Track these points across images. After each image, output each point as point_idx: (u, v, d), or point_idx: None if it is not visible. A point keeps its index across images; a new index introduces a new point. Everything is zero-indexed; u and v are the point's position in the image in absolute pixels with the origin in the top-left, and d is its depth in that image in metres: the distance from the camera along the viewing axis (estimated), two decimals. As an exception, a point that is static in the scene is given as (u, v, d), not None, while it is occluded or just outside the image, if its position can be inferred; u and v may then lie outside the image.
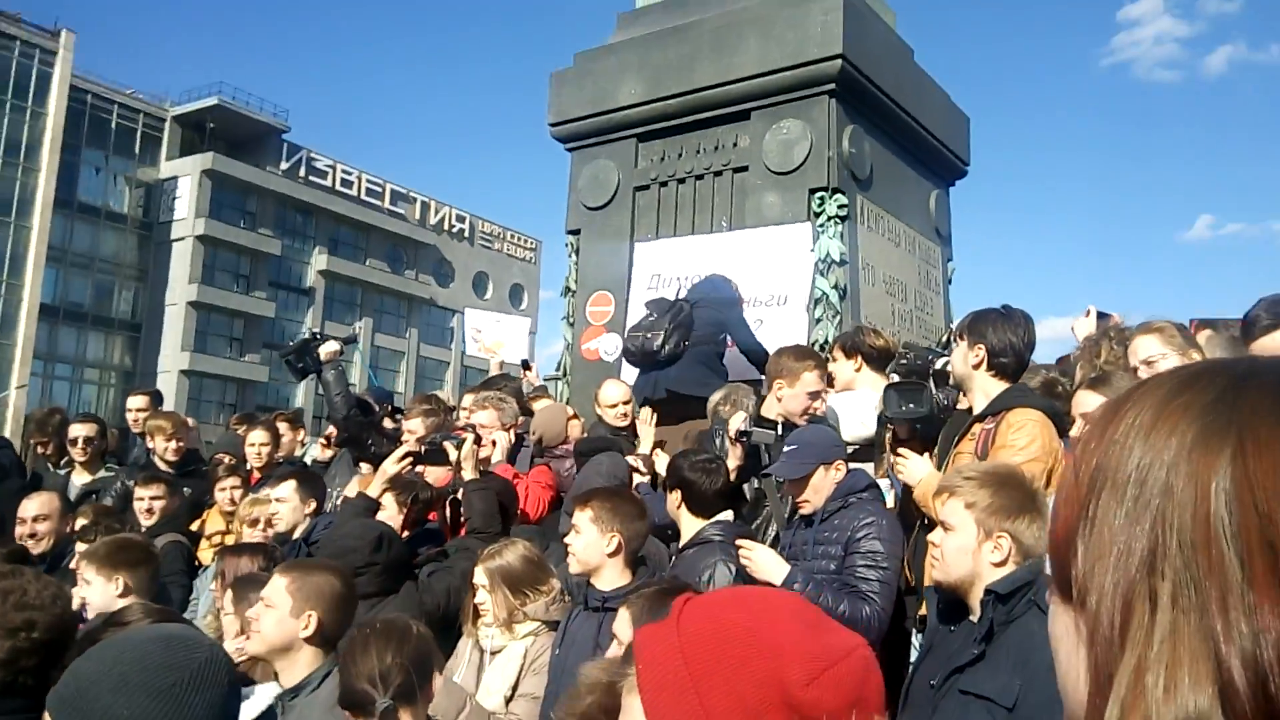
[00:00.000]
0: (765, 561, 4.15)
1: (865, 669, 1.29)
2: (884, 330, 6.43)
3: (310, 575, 3.82)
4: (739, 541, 4.32)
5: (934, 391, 4.52)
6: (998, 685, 2.96)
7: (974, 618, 3.23)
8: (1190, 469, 0.67)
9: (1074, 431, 4.05)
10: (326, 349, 7.14)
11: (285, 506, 5.91)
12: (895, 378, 4.91)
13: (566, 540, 4.36)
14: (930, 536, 3.41)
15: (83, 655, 2.15)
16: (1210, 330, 4.69)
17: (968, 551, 3.20)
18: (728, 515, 4.78)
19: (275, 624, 3.69)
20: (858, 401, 5.60)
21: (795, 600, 1.44)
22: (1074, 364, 5.18)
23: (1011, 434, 4.13)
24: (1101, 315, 5.45)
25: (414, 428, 6.48)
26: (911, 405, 4.34)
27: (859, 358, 5.94)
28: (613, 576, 4.24)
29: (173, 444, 7.55)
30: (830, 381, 5.85)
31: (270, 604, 3.72)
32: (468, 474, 5.41)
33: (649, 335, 7.02)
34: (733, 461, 5.10)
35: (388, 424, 7.48)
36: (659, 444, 6.21)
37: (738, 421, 5.23)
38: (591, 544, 4.24)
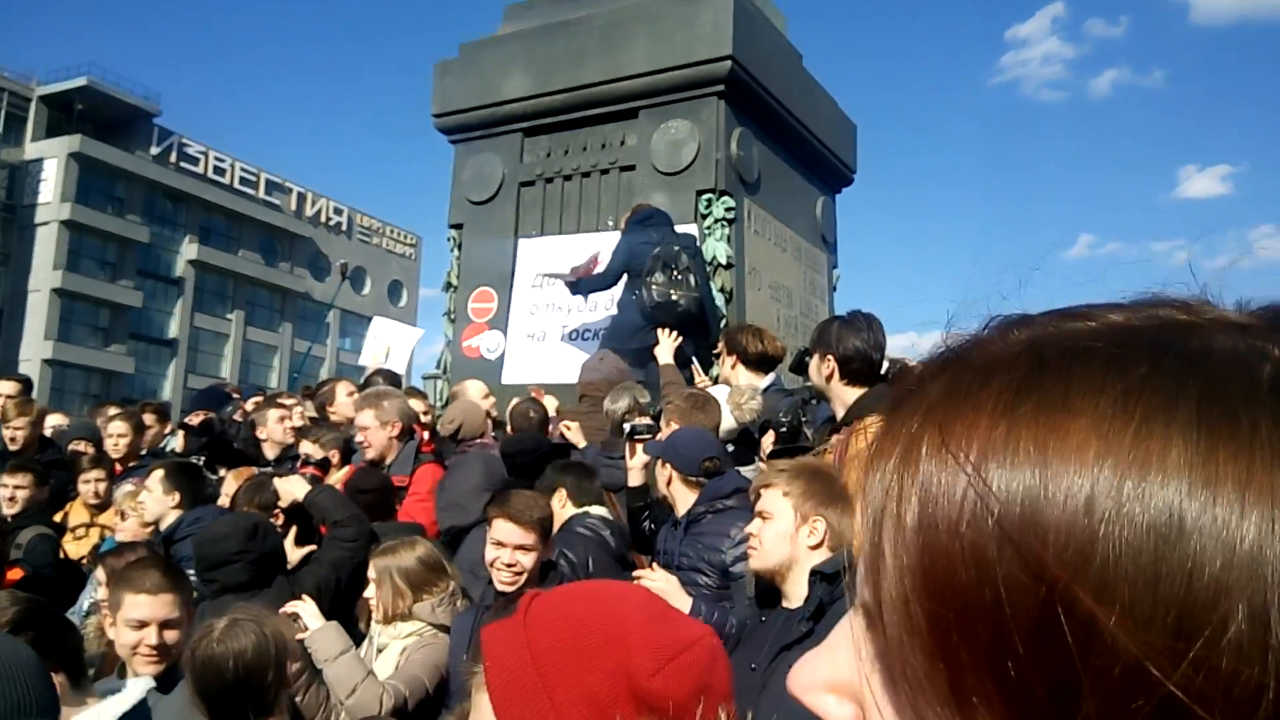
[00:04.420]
0: (671, 595, 3.92)
1: (711, 658, 1.30)
2: (768, 332, 6.39)
3: None
4: (641, 574, 4.12)
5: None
6: None
7: (787, 604, 3.37)
8: None
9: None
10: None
11: (150, 497, 5.72)
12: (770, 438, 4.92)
13: (514, 558, 4.10)
14: (748, 528, 3.50)
15: None
16: None
17: (785, 537, 3.35)
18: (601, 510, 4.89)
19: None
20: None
21: (640, 592, 1.46)
22: None
23: (861, 442, 4.14)
24: None
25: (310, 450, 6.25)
26: None
27: (735, 356, 6.11)
28: None
29: (21, 433, 7.28)
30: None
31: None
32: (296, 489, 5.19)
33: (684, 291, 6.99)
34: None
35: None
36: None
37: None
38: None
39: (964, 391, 0.50)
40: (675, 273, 6.93)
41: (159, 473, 5.82)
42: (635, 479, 5.11)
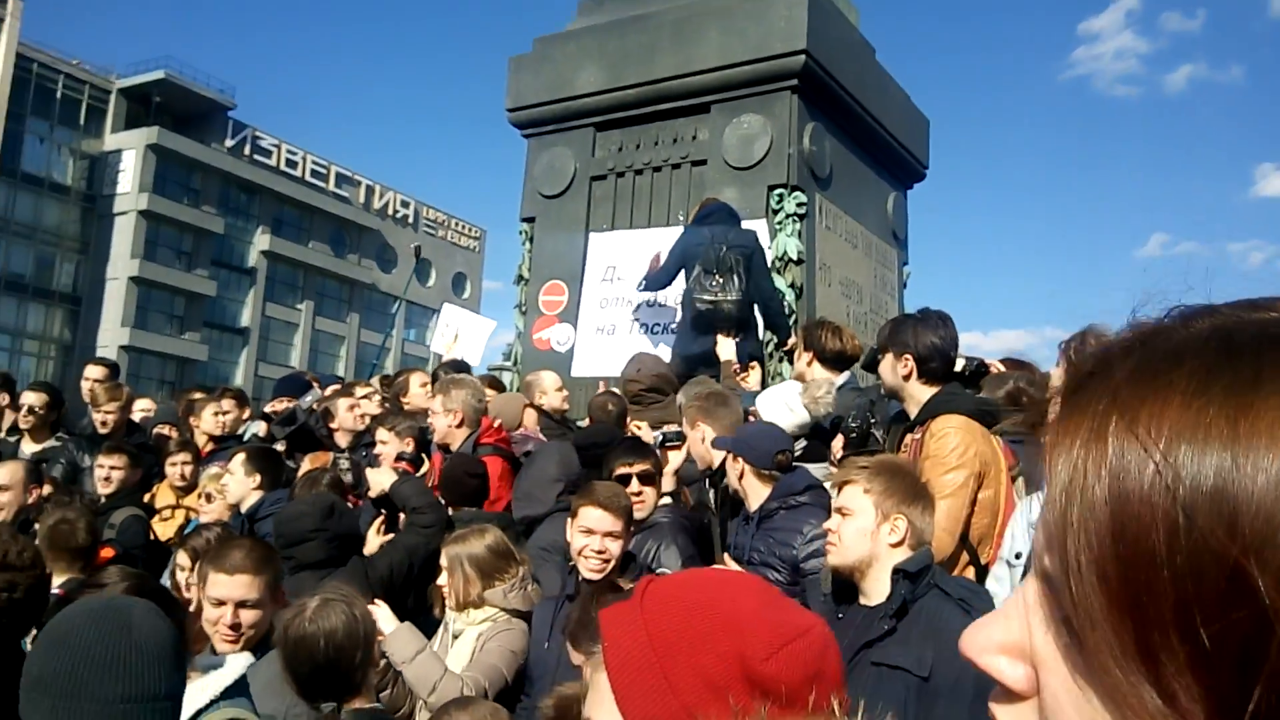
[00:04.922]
0: None
1: (824, 645, 1.32)
2: (847, 330, 6.36)
3: None
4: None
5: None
6: (912, 657, 3.10)
7: (865, 601, 3.38)
8: None
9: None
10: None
11: (233, 479, 5.95)
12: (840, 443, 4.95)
13: (603, 545, 4.12)
14: (827, 524, 3.52)
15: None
16: None
17: (866, 533, 3.36)
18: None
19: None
20: (779, 396, 5.57)
21: (754, 580, 1.48)
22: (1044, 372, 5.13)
23: (934, 444, 4.18)
24: None
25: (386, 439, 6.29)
26: None
27: (811, 353, 6.05)
28: None
29: (112, 417, 7.46)
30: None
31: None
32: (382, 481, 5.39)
33: (726, 294, 6.96)
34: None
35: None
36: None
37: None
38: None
39: (1153, 373, 0.54)
40: (717, 276, 6.91)
41: (241, 456, 6.05)
42: (669, 484, 5.17)
